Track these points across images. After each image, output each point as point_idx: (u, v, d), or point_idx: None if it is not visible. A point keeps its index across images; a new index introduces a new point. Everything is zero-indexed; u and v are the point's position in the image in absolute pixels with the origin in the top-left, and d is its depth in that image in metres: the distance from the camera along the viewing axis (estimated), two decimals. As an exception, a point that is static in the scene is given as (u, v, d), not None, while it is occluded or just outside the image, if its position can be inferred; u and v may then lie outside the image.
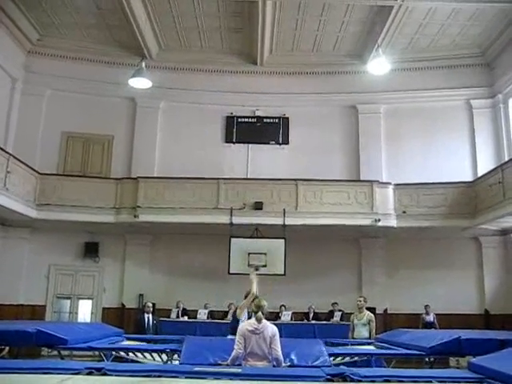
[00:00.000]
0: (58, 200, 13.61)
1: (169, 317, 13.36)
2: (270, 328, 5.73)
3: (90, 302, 15.14)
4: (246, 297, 7.73)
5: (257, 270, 13.04)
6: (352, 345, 8.34)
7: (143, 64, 14.00)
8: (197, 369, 4.45)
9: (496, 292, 14.49)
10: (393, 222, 13.82)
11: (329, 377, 4.18)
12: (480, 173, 14.26)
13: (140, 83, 14.09)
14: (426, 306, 13.77)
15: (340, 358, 6.92)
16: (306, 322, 13.74)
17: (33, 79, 15.23)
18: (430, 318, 13.68)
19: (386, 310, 14.43)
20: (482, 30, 14.41)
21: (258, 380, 4.08)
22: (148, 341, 8.54)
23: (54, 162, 15.30)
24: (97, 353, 7.27)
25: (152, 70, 15.20)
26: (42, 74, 15.27)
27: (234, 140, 16.00)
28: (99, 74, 15.55)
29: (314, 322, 13.60)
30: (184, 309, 13.80)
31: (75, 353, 8.22)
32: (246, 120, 15.92)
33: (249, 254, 13.26)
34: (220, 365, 5.68)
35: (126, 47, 15.56)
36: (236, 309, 8.22)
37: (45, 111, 15.42)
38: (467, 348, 5.94)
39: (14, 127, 14.85)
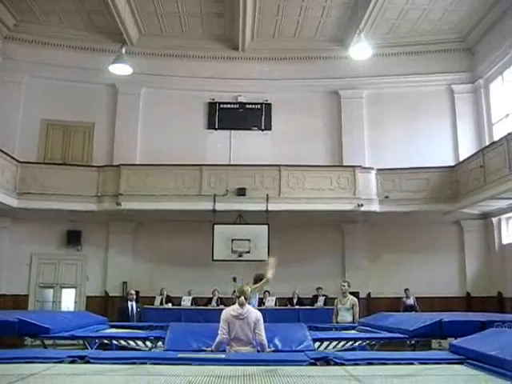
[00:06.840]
0: (38, 188, 13.44)
1: (153, 304, 13.31)
2: (254, 313, 5.76)
3: (73, 290, 15.06)
4: (256, 281, 7.36)
5: (240, 256, 13.10)
6: (336, 329, 8.39)
7: (123, 50, 13.84)
8: (181, 355, 4.45)
9: (477, 275, 14.70)
10: (375, 207, 13.92)
11: (312, 361, 4.20)
12: (462, 157, 14.39)
13: (121, 69, 13.93)
14: (406, 289, 13.92)
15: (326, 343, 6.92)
16: (290, 307, 13.80)
17: (10, 66, 14.94)
18: (411, 301, 13.84)
19: (369, 294, 14.56)
20: (462, 15, 14.44)
21: (242, 365, 4.09)
22: (132, 328, 8.49)
23: (34, 150, 15.11)
24: (81, 341, 7.23)
25: (132, 56, 15.01)
26: (19, 60, 15.00)
27: (217, 126, 15.91)
28: (79, 60, 15.31)
29: (298, 307, 13.66)
30: (168, 296, 13.78)
31: (59, 342, 8.18)
32: (228, 106, 15.83)
33: (232, 240, 13.28)
34: (204, 351, 5.70)
35: (106, 33, 15.32)
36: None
37: (23, 99, 15.16)
38: (449, 330, 6.01)
39: (-8, 115, 14.60)
